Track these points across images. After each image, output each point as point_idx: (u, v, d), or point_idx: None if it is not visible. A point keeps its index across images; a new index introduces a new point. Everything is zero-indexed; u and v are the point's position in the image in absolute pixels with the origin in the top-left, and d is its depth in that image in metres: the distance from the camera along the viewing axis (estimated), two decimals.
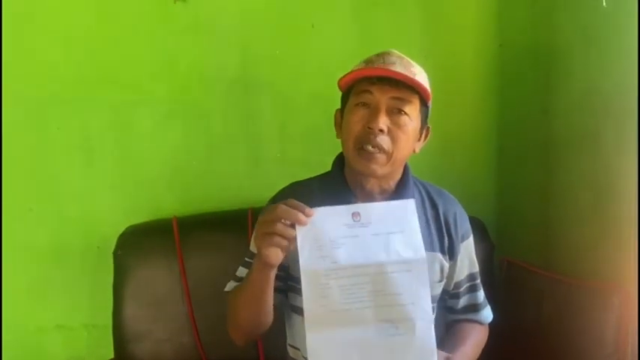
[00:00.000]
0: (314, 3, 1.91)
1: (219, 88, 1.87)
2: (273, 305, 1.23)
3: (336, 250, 1.04)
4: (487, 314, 1.43)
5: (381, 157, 1.20)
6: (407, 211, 1.09)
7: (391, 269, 1.05)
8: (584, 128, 1.66)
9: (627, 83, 1.49)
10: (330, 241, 1.04)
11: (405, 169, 1.31)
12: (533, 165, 1.90)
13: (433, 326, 1.07)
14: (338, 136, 1.31)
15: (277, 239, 1.03)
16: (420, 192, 1.36)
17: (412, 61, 1.24)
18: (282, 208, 1.03)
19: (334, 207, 1.07)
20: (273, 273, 1.12)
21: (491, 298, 1.48)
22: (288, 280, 1.29)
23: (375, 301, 1.04)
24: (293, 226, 1.04)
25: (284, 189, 1.37)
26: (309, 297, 1.04)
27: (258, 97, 1.91)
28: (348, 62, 1.86)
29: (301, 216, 1.03)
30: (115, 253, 1.70)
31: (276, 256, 1.05)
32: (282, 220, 1.03)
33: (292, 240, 1.03)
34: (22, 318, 1.83)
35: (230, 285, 1.34)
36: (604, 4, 1.48)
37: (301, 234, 1.03)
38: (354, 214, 1.06)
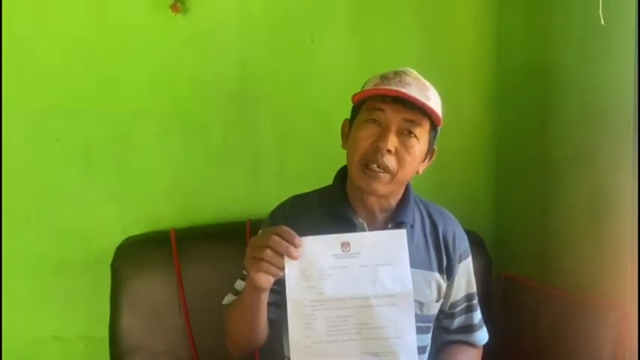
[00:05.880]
0: (313, 17, 1.92)
1: (218, 100, 1.88)
2: (270, 319, 1.25)
3: (324, 281, 1.05)
4: (482, 336, 1.41)
5: (384, 177, 1.20)
6: (398, 241, 1.08)
7: (377, 302, 1.05)
8: (581, 144, 1.67)
9: (624, 99, 1.50)
10: (317, 271, 1.05)
11: (407, 188, 1.32)
12: (530, 180, 1.91)
13: (417, 359, 1.08)
14: (344, 146, 1.30)
15: (266, 266, 1.03)
16: (420, 211, 1.36)
17: (428, 84, 1.24)
18: (273, 238, 1.03)
19: (324, 236, 1.07)
20: (265, 294, 1.13)
21: (488, 312, 1.48)
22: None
23: (360, 334, 1.05)
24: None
25: (284, 203, 1.37)
26: (294, 327, 1.04)
27: (257, 110, 1.91)
28: (346, 76, 1.89)
29: (292, 250, 1.03)
30: (112, 265, 1.69)
31: (266, 281, 1.06)
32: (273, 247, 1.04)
33: (281, 268, 1.04)
34: (18, 329, 1.81)
35: (228, 298, 1.34)
36: (602, 22, 1.49)
37: (289, 263, 1.04)
38: (344, 244, 1.06)
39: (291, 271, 1.04)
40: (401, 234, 1.09)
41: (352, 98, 1.26)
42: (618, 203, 1.54)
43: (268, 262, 1.03)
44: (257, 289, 1.10)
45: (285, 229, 1.06)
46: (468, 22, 2.02)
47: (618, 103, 1.52)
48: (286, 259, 1.04)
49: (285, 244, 1.03)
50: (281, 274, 1.04)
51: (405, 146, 1.20)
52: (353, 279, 1.05)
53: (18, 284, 1.80)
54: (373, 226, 1.28)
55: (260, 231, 1.26)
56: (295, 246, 1.03)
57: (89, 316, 1.85)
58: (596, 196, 1.62)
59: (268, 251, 1.03)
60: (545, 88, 1.81)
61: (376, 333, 1.05)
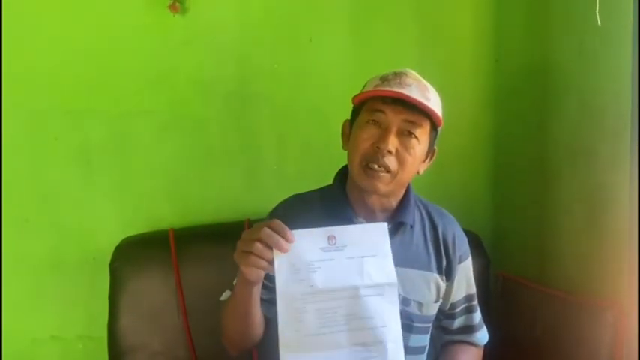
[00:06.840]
0: (312, 17, 1.92)
1: (217, 100, 1.88)
2: (267, 316, 1.25)
3: (313, 273, 1.05)
4: (482, 336, 1.42)
5: (385, 177, 1.20)
6: (380, 234, 1.10)
7: (365, 293, 1.06)
8: (579, 144, 1.68)
9: (622, 99, 1.50)
10: (306, 264, 1.05)
11: (407, 188, 1.32)
12: (528, 180, 1.91)
13: (403, 347, 1.08)
14: (344, 147, 1.31)
15: (254, 259, 1.03)
16: (420, 212, 1.36)
17: (428, 85, 1.25)
18: (264, 231, 1.02)
19: (311, 229, 1.07)
20: (257, 289, 1.13)
21: (486, 312, 1.48)
22: None
23: (349, 324, 1.06)
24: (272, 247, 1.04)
25: (285, 201, 1.37)
26: (285, 320, 1.04)
27: (255, 110, 1.91)
28: (345, 76, 1.90)
29: (282, 242, 1.03)
30: (111, 265, 1.69)
31: (256, 275, 1.06)
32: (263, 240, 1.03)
33: (270, 261, 1.04)
34: (17, 329, 1.81)
35: (225, 294, 1.34)
36: (598, 22, 1.49)
37: (279, 257, 1.04)
38: (330, 237, 1.07)
39: (281, 264, 1.04)
40: (382, 227, 1.11)
41: (352, 99, 1.26)
42: (616, 203, 1.54)
43: (257, 255, 1.02)
44: (248, 283, 1.10)
45: (277, 222, 1.05)
46: (467, 22, 2.03)
47: (616, 103, 1.52)
48: (276, 253, 1.03)
49: (276, 236, 1.02)
50: (270, 267, 1.04)
51: (406, 147, 1.20)
52: (341, 270, 1.06)
53: (17, 284, 1.80)
54: None
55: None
56: (287, 239, 1.03)
57: (88, 315, 1.85)
58: (594, 196, 1.62)
59: (258, 244, 1.02)
60: (544, 88, 1.81)
61: (364, 323, 1.06)
